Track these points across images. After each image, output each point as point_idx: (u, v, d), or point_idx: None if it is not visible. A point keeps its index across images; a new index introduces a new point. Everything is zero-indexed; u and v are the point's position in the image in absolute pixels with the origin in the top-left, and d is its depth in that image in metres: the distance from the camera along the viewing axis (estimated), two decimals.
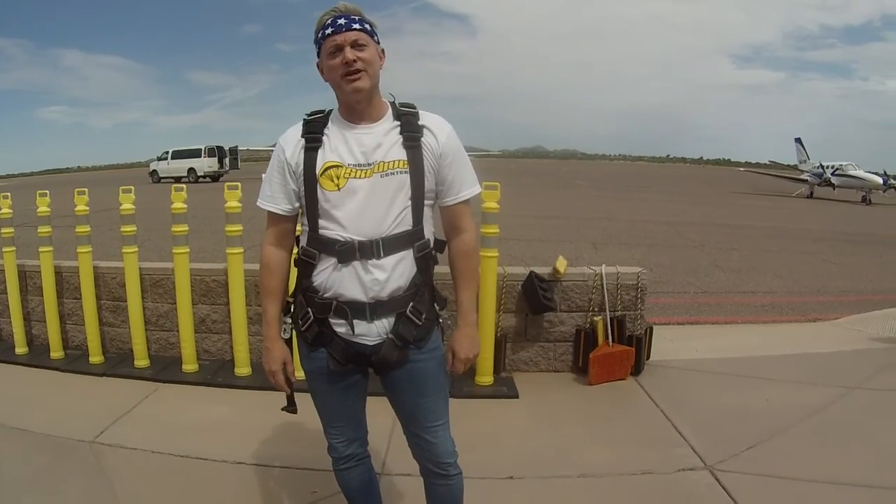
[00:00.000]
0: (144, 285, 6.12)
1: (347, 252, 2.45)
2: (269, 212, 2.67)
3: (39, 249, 6.20)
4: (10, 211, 6.37)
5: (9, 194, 6.43)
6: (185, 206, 5.76)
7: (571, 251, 13.01)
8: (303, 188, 2.54)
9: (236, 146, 51.06)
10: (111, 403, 5.27)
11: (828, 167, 40.92)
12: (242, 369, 5.77)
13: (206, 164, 47.01)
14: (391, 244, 2.47)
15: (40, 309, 6.47)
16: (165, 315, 6.19)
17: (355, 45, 2.43)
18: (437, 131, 2.56)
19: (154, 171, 50.22)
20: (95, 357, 6.17)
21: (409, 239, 2.52)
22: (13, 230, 6.40)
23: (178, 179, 45.71)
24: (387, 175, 2.46)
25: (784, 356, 6.42)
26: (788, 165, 55.50)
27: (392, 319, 2.54)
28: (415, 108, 2.60)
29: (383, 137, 2.51)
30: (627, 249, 14.23)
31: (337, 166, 2.47)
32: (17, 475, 4.22)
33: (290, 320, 2.69)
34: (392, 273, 2.48)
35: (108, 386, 5.77)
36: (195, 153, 47.87)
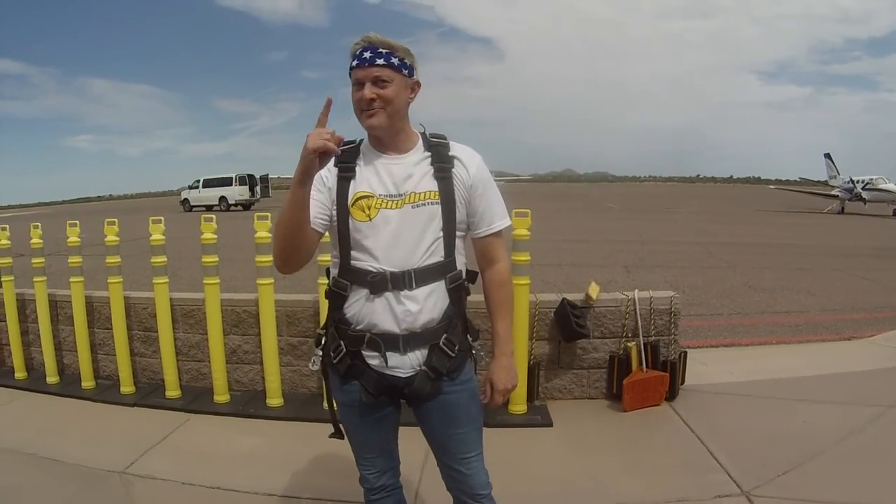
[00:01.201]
0: (175, 315, 6.12)
1: (379, 283, 2.43)
2: None
3: (70, 279, 6.23)
4: (41, 241, 6.42)
5: (39, 224, 6.50)
6: (215, 236, 5.77)
7: (604, 275, 12.99)
8: (336, 219, 2.51)
9: (267, 174, 51.27)
10: (142, 434, 5.27)
11: (858, 181, 40.54)
12: (274, 400, 5.73)
13: (237, 193, 47.27)
14: (423, 275, 2.45)
15: (71, 339, 6.49)
16: (196, 345, 6.19)
17: (376, 81, 2.41)
18: (468, 162, 2.55)
19: (185, 199, 50.58)
20: (126, 387, 6.18)
21: (442, 270, 2.50)
22: (44, 260, 6.45)
23: (209, 208, 46.09)
24: (418, 206, 2.45)
25: (819, 376, 6.34)
26: (818, 181, 55.12)
27: (425, 351, 2.52)
28: (445, 138, 2.59)
29: (414, 168, 2.50)
30: (660, 272, 14.15)
31: (368, 196, 2.45)
32: None
33: (320, 352, 2.67)
34: (424, 304, 2.46)
35: (139, 416, 5.78)
36: (226, 182, 48.14)
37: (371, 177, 2.48)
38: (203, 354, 6.10)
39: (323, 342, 2.67)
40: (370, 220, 2.44)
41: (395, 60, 2.45)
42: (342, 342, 2.55)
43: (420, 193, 2.46)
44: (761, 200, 59.39)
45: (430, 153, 2.54)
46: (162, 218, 5.95)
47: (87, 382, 6.37)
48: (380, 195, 2.45)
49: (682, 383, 5.80)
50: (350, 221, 2.46)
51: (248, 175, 49.12)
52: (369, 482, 2.84)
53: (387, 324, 2.45)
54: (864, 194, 39.33)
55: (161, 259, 5.88)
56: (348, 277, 2.50)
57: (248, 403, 5.80)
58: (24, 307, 6.85)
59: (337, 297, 2.55)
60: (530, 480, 4.35)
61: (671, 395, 5.63)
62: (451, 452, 2.72)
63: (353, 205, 2.46)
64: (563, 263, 14.99)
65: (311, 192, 2.45)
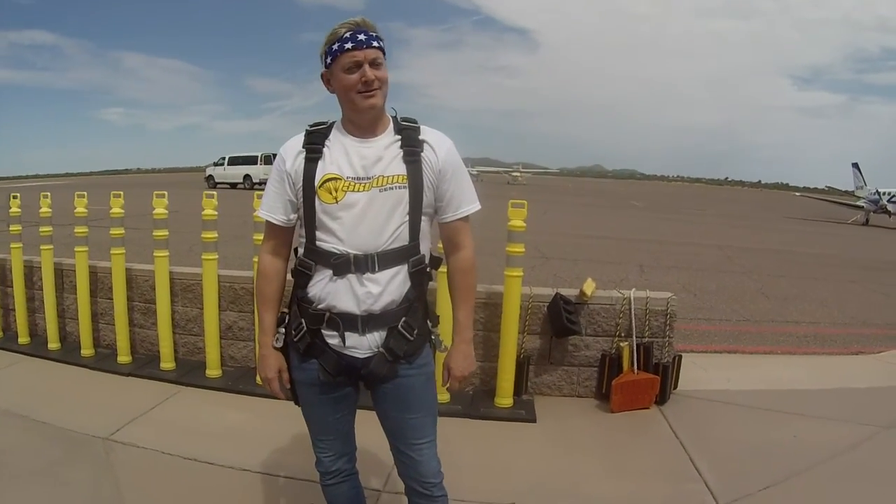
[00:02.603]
0: (175, 289, 6.21)
1: (343, 265, 2.46)
2: (266, 221, 2.69)
3: (75, 249, 6.32)
4: (50, 210, 6.51)
5: (48, 194, 6.56)
6: (216, 212, 5.82)
7: (617, 273, 13.07)
8: (301, 199, 2.54)
9: None
10: (132, 403, 5.37)
11: (885, 193, 40.11)
12: None
13: (262, 172, 47.34)
14: (386, 259, 2.48)
15: (75, 307, 6.59)
16: (194, 320, 6.25)
17: (374, 63, 2.44)
18: (437, 146, 2.56)
19: (210, 175, 50.85)
20: (124, 357, 6.28)
21: (405, 254, 2.52)
22: (51, 229, 6.56)
23: (233, 185, 46.43)
24: (385, 189, 2.46)
25: (820, 390, 6.25)
26: (845, 191, 54.65)
27: (384, 333, 2.54)
28: (416, 122, 2.61)
29: (384, 151, 2.51)
30: (674, 273, 14.10)
31: (336, 179, 2.47)
32: (29, 465, 4.33)
33: (283, 330, 2.70)
34: (386, 287, 2.49)
35: (132, 386, 5.88)
36: (251, 160, 48.22)
37: (340, 159, 2.50)
38: (200, 329, 6.16)
39: (286, 320, 2.70)
40: (337, 202, 2.45)
41: (383, 45, 2.49)
42: (303, 320, 2.59)
43: (388, 177, 2.47)
44: (787, 207, 59.07)
45: (399, 137, 2.54)
46: (165, 193, 6.02)
47: (87, 350, 6.47)
48: (348, 177, 2.46)
49: (674, 388, 5.76)
50: (317, 203, 2.48)
51: (274, 154, 48.76)
52: (324, 465, 2.86)
53: (347, 304, 2.48)
54: (890, 207, 38.91)
55: (163, 232, 5.95)
56: (313, 257, 2.53)
57: (238, 380, 5.85)
58: (32, 274, 6.97)
59: (301, 276, 2.57)
60: (504, 476, 4.35)
61: (662, 398, 5.57)
62: (403, 437, 2.74)
63: (320, 186, 2.47)
64: (579, 259, 15.02)
65: (275, 187, 2.62)
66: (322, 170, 2.50)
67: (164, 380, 5.90)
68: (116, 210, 6.08)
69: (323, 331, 2.55)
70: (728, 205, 60.59)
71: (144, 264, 6.50)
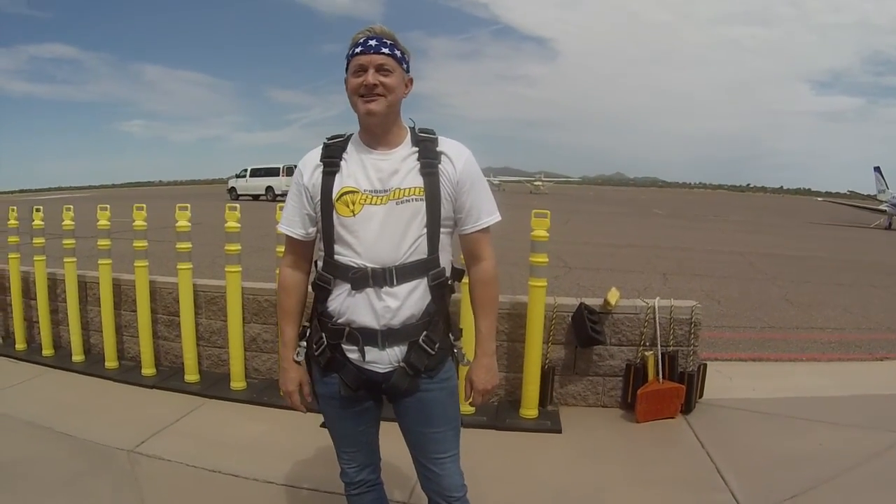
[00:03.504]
0: (199, 302, 6.24)
1: (361, 279, 2.45)
2: (286, 235, 2.69)
3: (99, 262, 6.36)
4: (73, 223, 6.56)
5: (71, 207, 6.61)
6: (239, 225, 5.85)
7: (641, 282, 13.02)
8: (319, 213, 2.54)
9: None
10: (156, 415, 5.39)
11: None
12: None
13: (284, 183, 47.53)
14: (405, 272, 2.46)
15: (98, 319, 6.64)
16: (218, 332, 6.28)
17: (380, 68, 2.43)
18: (455, 158, 2.54)
19: (233, 188, 51.17)
20: (148, 369, 6.31)
21: (424, 267, 2.50)
22: (75, 241, 6.60)
23: (256, 197, 46.74)
24: (402, 202, 2.45)
25: (845, 397, 6.19)
26: (867, 195, 54.29)
27: (404, 348, 2.53)
28: (434, 134, 2.59)
29: (400, 164, 2.50)
30: (697, 281, 14.01)
31: (353, 192, 2.46)
32: (52, 476, 4.36)
33: (304, 344, 2.69)
34: (405, 301, 2.47)
35: (156, 398, 5.90)
36: (274, 172, 48.44)
37: (357, 172, 2.49)
38: (224, 341, 6.18)
39: (307, 334, 2.70)
40: (354, 215, 2.45)
41: (397, 52, 2.48)
42: (323, 335, 2.58)
43: (405, 189, 2.46)
44: (809, 212, 58.80)
45: (417, 148, 2.53)
46: (188, 205, 6.05)
47: (111, 363, 6.51)
48: (365, 190, 2.46)
49: (699, 396, 5.71)
50: (334, 216, 2.48)
51: (296, 166, 49.05)
52: (349, 476, 2.86)
53: (366, 319, 2.47)
54: None
55: (186, 245, 5.97)
56: (331, 272, 2.52)
57: (263, 392, 5.86)
58: (55, 287, 7.02)
59: (321, 290, 2.57)
60: (528, 486, 4.34)
61: (687, 408, 5.54)
62: (425, 451, 2.72)
63: (337, 200, 2.47)
64: (602, 268, 14.97)
65: (293, 201, 2.63)
66: (339, 183, 2.49)
67: (189, 392, 5.92)
68: (139, 223, 6.11)
69: (343, 345, 2.54)
70: (750, 211, 60.30)
71: (168, 276, 6.54)
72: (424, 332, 2.53)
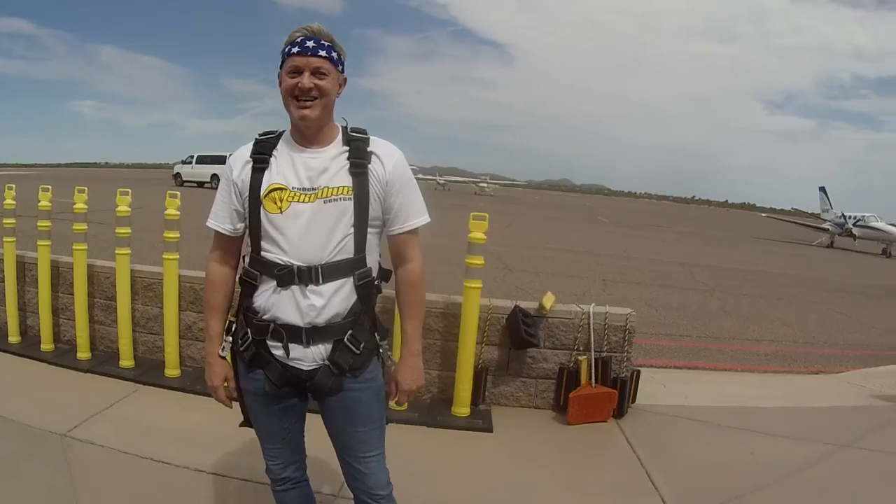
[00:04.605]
0: (136, 287, 6.18)
1: (286, 276, 2.45)
2: (214, 230, 2.68)
3: (38, 243, 6.28)
4: (14, 202, 6.47)
5: (13, 185, 6.52)
6: (178, 213, 5.81)
7: (580, 287, 13.11)
8: (247, 209, 2.54)
9: None
10: (90, 400, 5.33)
11: (850, 217, 40.57)
12: None
13: None
14: (331, 271, 2.46)
15: (36, 301, 6.53)
16: (154, 318, 6.22)
17: (316, 72, 2.43)
18: (385, 158, 2.55)
19: (178, 173, 50.82)
20: (83, 353, 6.23)
21: (350, 267, 2.50)
22: (15, 221, 6.50)
23: (200, 184, 46.24)
24: (330, 201, 2.45)
25: (778, 409, 6.33)
26: (811, 213, 55.22)
27: (329, 346, 2.53)
28: (366, 133, 2.59)
29: (330, 162, 2.50)
30: (637, 289, 14.18)
31: (281, 189, 2.46)
32: None
33: (230, 339, 2.68)
34: (330, 300, 2.47)
35: (90, 382, 5.83)
36: (220, 160, 47.86)
37: (286, 169, 2.49)
38: (160, 328, 6.12)
39: (233, 329, 2.68)
40: (281, 212, 2.45)
41: (334, 54, 2.48)
42: (248, 330, 2.57)
43: (333, 188, 2.46)
44: (752, 227, 59.68)
45: (348, 148, 2.53)
46: (129, 190, 5.97)
47: (47, 345, 6.41)
48: (293, 188, 2.46)
49: (632, 402, 5.80)
50: (262, 213, 2.48)
51: None
52: (274, 473, 2.86)
53: (290, 316, 2.47)
54: (855, 230, 39.40)
55: (125, 230, 5.90)
56: (258, 268, 2.52)
57: (197, 380, 5.76)
58: None
59: (247, 286, 2.56)
60: (455, 486, 4.36)
61: (619, 412, 5.61)
62: (350, 450, 2.73)
63: (265, 196, 2.47)
64: (542, 272, 15.05)
65: (222, 197, 2.62)
66: (268, 180, 2.49)
67: (123, 378, 5.86)
68: (80, 206, 6.02)
69: (268, 341, 2.54)
70: (693, 223, 61.11)
71: (106, 261, 6.45)
72: (350, 332, 2.53)
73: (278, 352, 2.53)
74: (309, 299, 2.45)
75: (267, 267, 2.48)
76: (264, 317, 2.52)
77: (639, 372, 5.87)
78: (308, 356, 2.52)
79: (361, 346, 2.56)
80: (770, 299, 14.56)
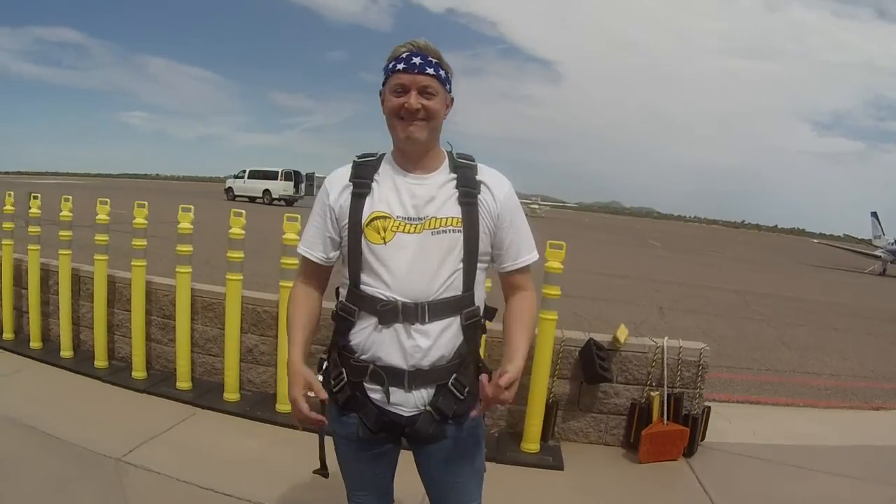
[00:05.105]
0: (196, 307, 6.08)
1: (390, 313, 2.26)
2: (303, 257, 2.51)
3: (95, 257, 6.22)
4: (70, 214, 6.46)
5: (70, 197, 6.53)
6: (243, 232, 5.68)
7: (637, 314, 12.92)
8: (346, 237, 2.36)
9: (313, 173, 51.53)
10: (146, 422, 5.23)
11: None
12: (284, 406, 5.56)
13: (281, 188, 47.77)
14: (438, 309, 2.28)
15: (90, 315, 6.49)
16: (213, 340, 6.11)
17: (423, 91, 2.27)
18: (496, 189, 2.38)
19: (230, 188, 51.30)
20: (139, 372, 6.15)
21: (458, 305, 2.32)
22: (71, 233, 6.49)
23: (252, 199, 46.86)
24: (438, 232, 2.28)
25: (843, 447, 6.14)
26: (862, 239, 54.55)
27: (432, 390, 2.34)
28: (473, 160, 2.43)
29: (438, 190, 2.33)
30: (693, 317, 13.94)
31: (384, 217, 2.29)
32: (37, 479, 4.22)
33: (321, 377, 2.46)
34: (436, 341, 2.28)
35: (146, 403, 5.75)
36: (272, 175, 48.72)
37: (390, 195, 2.32)
38: (219, 349, 6.02)
39: (324, 367, 2.49)
40: (385, 243, 2.27)
41: (442, 73, 2.32)
42: (344, 370, 2.39)
43: (441, 219, 2.29)
44: (804, 253, 59.23)
45: (455, 175, 2.37)
46: (192, 206, 5.90)
47: (101, 362, 6.34)
48: (398, 217, 2.29)
49: (702, 439, 5.60)
50: (363, 242, 2.30)
51: (295, 171, 49.79)
52: None
53: (393, 358, 2.28)
54: None
55: (187, 248, 5.82)
56: (357, 303, 2.33)
57: (257, 405, 5.69)
58: (48, 278, 6.90)
59: (343, 321, 2.38)
60: None
61: (690, 450, 5.43)
62: (446, 500, 2.57)
63: (367, 224, 2.30)
64: (599, 297, 14.87)
65: (316, 222, 2.43)
66: (370, 206, 2.32)
67: (180, 400, 5.75)
68: (140, 220, 5.97)
69: (365, 384, 2.36)
70: (745, 248, 60.66)
71: (164, 278, 6.39)
72: (454, 375, 2.34)
73: (376, 395, 2.35)
74: (414, 339, 2.26)
75: (367, 302, 2.30)
76: (362, 357, 2.33)
77: (710, 409, 5.66)
78: (409, 401, 2.33)
79: (466, 390, 2.37)
80: (826, 330, 14.25)
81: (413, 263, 2.26)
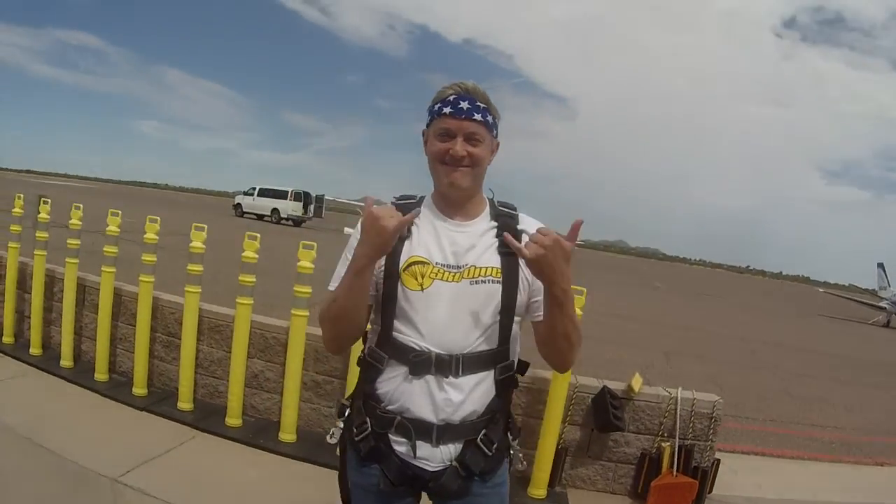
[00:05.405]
0: (202, 327, 5.99)
1: (422, 364, 2.14)
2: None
3: (102, 268, 6.15)
4: (80, 223, 6.42)
5: (81, 205, 6.47)
6: (257, 255, 5.59)
7: (643, 358, 12.89)
8: (381, 281, 2.23)
9: (323, 195, 51.84)
10: (145, 442, 5.15)
11: None
12: (287, 435, 5.50)
13: (290, 208, 47.97)
14: (472, 362, 2.16)
15: (93, 326, 6.41)
16: (218, 362, 6.02)
17: (470, 138, 2.16)
18: None
19: (238, 204, 51.49)
20: (139, 388, 6.06)
21: (493, 358, 2.21)
22: (79, 242, 6.43)
23: (260, 217, 47.04)
24: (477, 282, 2.17)
25: None
26: (867, 289, 54.56)
27: (459, 445, 2.21)
28: (515, 209, 2.34)
29: (478, 238, 2.24)
30: (700, 364, 13.88)
31: (423, 263, 2.18)
32: (31, 494, 4.16)
33: (342, 424, 2.37)
34: (469, 395, 2.17)
35: (145, 422, 5.64)
36: (281, 194, 48.88)
37: (429, 241, 2.22)
38: (223, 372, 5.92)
39: (346, 414, 2.37)
40: (422, 289, 2.17)
41: (489, 118, 2.22)
42: (368, 420, 2.26)
43: (481, 268, 2.19)
44: (808, 302, 59.26)
45: (496, 223, 2.27)
46: (205, 226, 5.82)
47: (101, 374, 6.26)
48: (437, 263, 2.19)
49: (709, 492, 5.50)
50: (399, 288, 2.19)
51: (304, 192, 50.03)
52: None
53: (423, 411, 2.17)
54: None
55: (197, 268, 5.75)
56: (387, 350, 2.21)
57: (259, 433, 5.58)
58: (53, 284, 6.85)
59: (370, 368, 2.26)
60: None
61: (697, 503, 5.31)
62: None
63: (404, 269, 2.19)
64: (605, 339, 14.74)
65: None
66: (408, 251, 2.21)
67: (181, 421, 5.64)
68: (151, 235, 5.91)
69: (390, 435, 2.23)
70: (748, 294, 60.71)
71: (172, 295, 6.29)
72: (484, 431, 2.23)
73: (401, 448, 2.22)
74: (446, 393, 2.15)
75: (399, 350, 2.18)
76: (389, 407, 2.21)
77: (719, 462, 5.55)
78: (436, 456, 2.20)
79: (494, 447, 2.25)
80: (830, 381, 14.21)
81: (450, 313, 2.16)
